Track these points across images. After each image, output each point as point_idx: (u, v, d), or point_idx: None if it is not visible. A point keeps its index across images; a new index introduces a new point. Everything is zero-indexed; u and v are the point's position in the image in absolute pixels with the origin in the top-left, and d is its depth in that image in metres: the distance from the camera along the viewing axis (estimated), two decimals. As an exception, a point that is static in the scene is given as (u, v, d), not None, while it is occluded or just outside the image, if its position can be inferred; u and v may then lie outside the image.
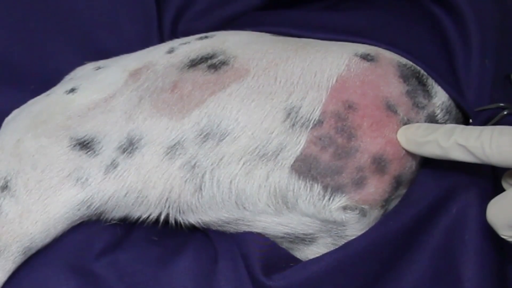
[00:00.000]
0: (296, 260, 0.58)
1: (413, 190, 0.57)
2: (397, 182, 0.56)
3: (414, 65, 0.58)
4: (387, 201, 0.56)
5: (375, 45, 0.59)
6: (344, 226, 0.56)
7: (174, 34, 0.66)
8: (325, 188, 0.55)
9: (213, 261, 0.57)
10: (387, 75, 0.57)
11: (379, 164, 0.54)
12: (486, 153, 0.49)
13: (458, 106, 0.59)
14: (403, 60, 0.58)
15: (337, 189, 0.55)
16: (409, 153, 0.55)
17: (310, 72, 0.56)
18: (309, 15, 0.65)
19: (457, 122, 0.59)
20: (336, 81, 0.56)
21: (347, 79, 0.56)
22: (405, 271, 0.56)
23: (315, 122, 0.55)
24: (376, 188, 0.55)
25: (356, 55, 0.57)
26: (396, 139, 0.55)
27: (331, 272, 0.55)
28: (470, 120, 0.59)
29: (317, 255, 0.56)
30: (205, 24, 0.66)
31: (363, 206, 0.55)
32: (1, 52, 0.66)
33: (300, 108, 0.55)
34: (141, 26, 0.66)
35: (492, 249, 0.55)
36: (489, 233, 0.54)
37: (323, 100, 0.55)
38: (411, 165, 0.56)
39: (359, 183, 0.54)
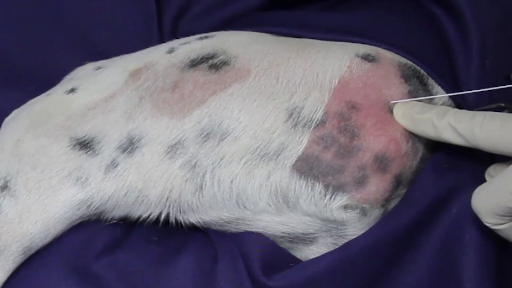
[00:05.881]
0: (296, 260, 0.58)
1: (413, 190, 0.57)
2: (398, 181, 0.56)
3: (414, 65, 0.58)
4: (387, 200, 0.56)
5: (375, 45, 0.59)
6: (344, 225, 0.56)
7: (174, 34, 0.66)
8: (326, 187, 0.55)
9: (213, 261, 0.57)
10: (389, 75, 0.57)
11: (381, 163, 0.55)
12: (476, 136, 0.50)
13: (458, 106, 0.60)
14: (403, 60, 0.58)
15: (338, 188, 0.55)
16: (410, 152, 0.56)
17: (312, 73, 0.56)
18: (309, 15, 0.65)
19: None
20: (339, 82, 0.56)
21: (350, 80, 0.56)
22: (405, 271, 0.56)
23: (317, 122, 0.55)
24: (377, 187, 0.55)
25: (357, 55, 0.57)
26: (399, 137, 0.55)
27: (331, 272, 0.55)
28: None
29: (317, 255, 0.56)
30: (205, 25, 0.66)
31: (363, 205, 0.55)
32: (1, 52, 0.66)
33: (302, 108, 0.55)
34: (141, 26, 0.66)
35: (492, 249, 0.55)
36: (489, 233, 0.54)
37: (326, 101, 0.55)
38: (411, 164, 0.57)
39: (360, 182, 0.55)
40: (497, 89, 0.56)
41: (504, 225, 0.50)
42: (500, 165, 0.53)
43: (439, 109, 0.53)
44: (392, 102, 0.56)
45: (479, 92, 0.57)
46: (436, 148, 0.59)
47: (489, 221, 0.50)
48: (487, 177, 0.54)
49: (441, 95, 0.58)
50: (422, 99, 0.56)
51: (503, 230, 0.51)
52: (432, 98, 0.58)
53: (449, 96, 0.59)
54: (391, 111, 0.56)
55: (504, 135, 0.49)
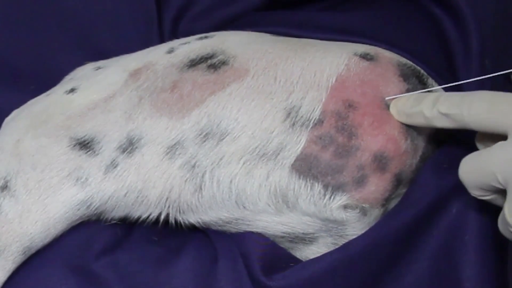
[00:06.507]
0: (296, 260, 0.58)
1: (413, 190, 0.57)
2: (398, 180, 0.56)
3: (414, 64, 0.58)
4: (387, 200, 0.56)
5: (375, 45, 0.59)
6: (344, 225, 0.56)
7: (175, 34, 0.66)
8: (325, 187, 0.55)
9: (213, 261, 0.57)
10: (387, 74, 0.57)
11: (380, 162, 0.55)
12: (465, 119, 0.51)
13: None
14: (403, 60, 0.58)
15: (337, 188, 0.55)
16: (409, 150, 0.56)
17: (310, 72, 0.56)
18: (309, 15, 0.66)
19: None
20: (336, 80, 0.56)
21: (347, 78, 0.56)
22: (405, 271, 0.56)
23: (315, 122, 0.55)
24: (376, 186, 0.55)
25: (355, 54, 0.57)
26: (397, 135, 0.55)
27: (331, 272, 0.55)
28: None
29: (317, 255, 0.56)
30: (205, 25, 0.66)
31: (363, 205, 0.55)
32: (1, 52, 0.66)
33: (300, 107, 0.55)
34: (141, 26, 0.66)
35: (492, 249, 0.55)
36: (489, 233, 0.54)
37: (323, 100, 0.55)
38: (411, 163, 0.56)
39: (360, 181, 0.55)
40: (496, 79, 0.56)
41: (489, 197, 0.51)
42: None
43: (429, 99, 0.53)
44: (387, 98, 0.56)
45: (476, 81, 0.57)
46: (436, 146, 0.59)
47: (474, 193, 0.51)
48: (478, 144, 0.54)
49: (436, 87, 0.58)
50: (416, 93, 0.56)
51: (488, 200, 0.51)
52: (427, 92, 0.58)
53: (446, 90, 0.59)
54: (389, 109, 0.55)
55: (491, 117, 0.49)
